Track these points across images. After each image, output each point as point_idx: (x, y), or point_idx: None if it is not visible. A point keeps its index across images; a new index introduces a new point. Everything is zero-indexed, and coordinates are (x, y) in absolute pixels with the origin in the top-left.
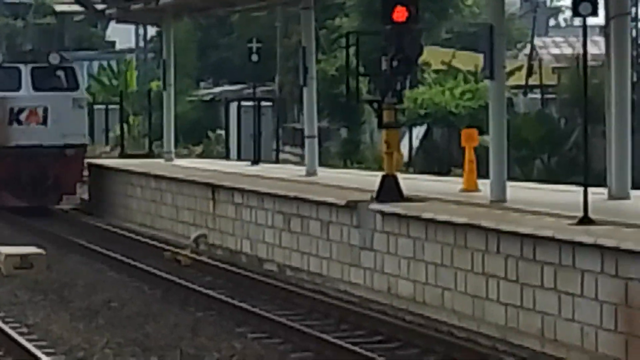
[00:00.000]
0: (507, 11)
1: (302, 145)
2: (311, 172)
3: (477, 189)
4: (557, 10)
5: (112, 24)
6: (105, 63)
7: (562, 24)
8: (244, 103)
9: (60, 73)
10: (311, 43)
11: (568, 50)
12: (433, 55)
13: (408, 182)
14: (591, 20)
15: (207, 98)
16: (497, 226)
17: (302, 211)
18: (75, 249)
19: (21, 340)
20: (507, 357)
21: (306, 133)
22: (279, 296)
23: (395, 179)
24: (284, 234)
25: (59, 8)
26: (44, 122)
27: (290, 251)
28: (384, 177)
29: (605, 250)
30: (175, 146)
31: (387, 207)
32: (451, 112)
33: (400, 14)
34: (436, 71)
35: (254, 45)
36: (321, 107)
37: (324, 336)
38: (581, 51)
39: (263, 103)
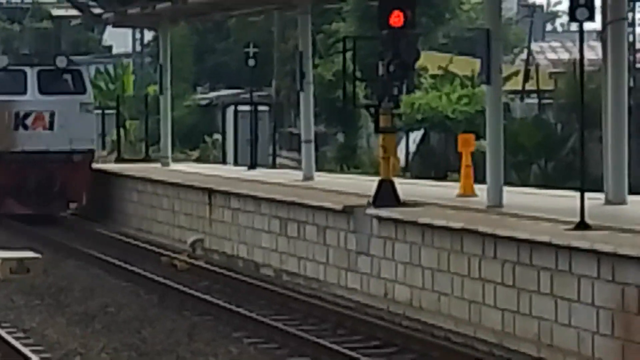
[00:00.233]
0: (504, 16)
1: (299, 150)
2: (308, 177)
3: (473, 194)
4: (554, 15)
5: (109, 28)
6: (102, 67)
7: (559, 29)
8: (240, 108)
9: (67, 76)
10: (308, 48)
11: (565, 56)
12: (430, 60)
13: (405, 187)
14: (588, 26)
15: (204, 102)
16: (493, 231)
17: (298, 216)
18: (71, 253)
19: (17, 345)
20: None
21: (303, 138)
22: (276, 301)
23: (392, 183)
24: (280, 239)
25: (55, 12)
26: (51, 127)
27: (287, 256)
28: (380, 182)
29: (602, 256)
30: (172, 151)
31: (384, 212)
32: (448, 117)
33: (397, 18)
34: (433, 76)
35: (251, 49)
36: (318, 111)
37: (321, 341)
38: (578, 56)
39: (260, 108)
